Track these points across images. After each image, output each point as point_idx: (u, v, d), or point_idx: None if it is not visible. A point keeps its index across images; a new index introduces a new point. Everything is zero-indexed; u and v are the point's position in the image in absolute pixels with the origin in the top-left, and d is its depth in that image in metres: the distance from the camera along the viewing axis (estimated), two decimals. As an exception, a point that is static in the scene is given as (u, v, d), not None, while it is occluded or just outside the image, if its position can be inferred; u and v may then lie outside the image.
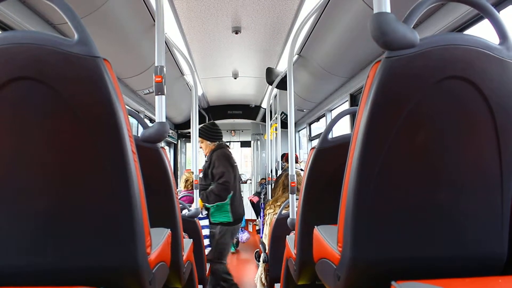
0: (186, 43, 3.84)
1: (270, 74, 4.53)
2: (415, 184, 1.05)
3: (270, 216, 3.32)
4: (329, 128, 1.86)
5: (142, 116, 4.90)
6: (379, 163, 1.02)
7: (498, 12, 1.23)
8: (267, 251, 3.06)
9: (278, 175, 5.04)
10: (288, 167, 2.76)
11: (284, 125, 5.95)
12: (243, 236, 5.87)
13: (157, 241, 1.31)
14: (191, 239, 2.27)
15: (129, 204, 1.02)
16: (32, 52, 0.91)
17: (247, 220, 7.72)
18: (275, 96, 5.56)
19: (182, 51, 3.53)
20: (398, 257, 1.08)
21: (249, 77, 5.49)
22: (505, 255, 1.10)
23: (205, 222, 3.95)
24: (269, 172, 5.58)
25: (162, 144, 1.76)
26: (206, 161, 3.77)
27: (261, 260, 3.19)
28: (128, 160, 1.00)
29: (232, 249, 5.81)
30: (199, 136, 3.78)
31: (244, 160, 9.79)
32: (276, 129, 5.73)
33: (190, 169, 4.91)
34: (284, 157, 5.90)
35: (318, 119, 5.97)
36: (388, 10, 0.93)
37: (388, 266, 1.08)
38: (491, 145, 1.03)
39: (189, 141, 8.21)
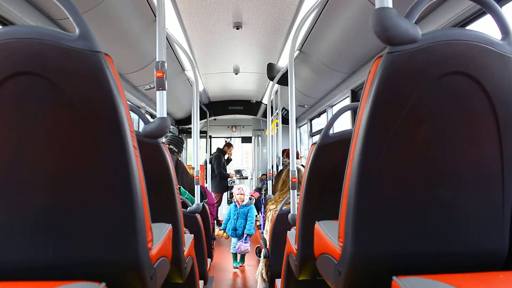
0: (187, 39, 3.83)
1: (271, 70, 4.53)
2: (416, 180, 1.05)
3: (272, 212, 3.32)
4: (330, 123, 1.86)
5: (143, 112, 4.90)
6: (381, 158, 1.02)
7: (501, 7, 1.22)
8: (268, 246, 3.06)
9: (279, 171, 5.04)
10: (289, 163, 2.76)
11: (285, 120, 5.95)
12: (241, 246, 4.68)
13: (158, 236, 1.31)
14: (192, 235, 2.28)
15: (130, 199, 1.02)
16: (33, 47, 0.91)
17: None
18: (276, 91, 5.55)
19: (183, 47, 3.53)
20: (399, 252, 1.08)
21: (250, 73, 5.48)
22: (506, 250, 1.10)
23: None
24: (270, 168, 5.58)
25: (163, 139, 1.76)
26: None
27: (262, 255, 3.20)
28: (129, 155, 1.00)
29: (236, 264, 4.85)
30: (171, 145, 3.94)
31: (245, 155, 9.80)
32: (277, 125, 5.72)
33: (191, 165, 4.93)
34: (285, 152, 5.89)
35: (319, 115, 5.97)
36: (390, 5, 0.93)
37: (389, 261, 1.08)
38: (493, 140, 1.02)
39: (190, 137, 8.20)
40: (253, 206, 4.89)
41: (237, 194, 4.84)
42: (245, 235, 4.70)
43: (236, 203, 4.86)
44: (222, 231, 4.89)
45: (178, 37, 3.70)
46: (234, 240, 4.83)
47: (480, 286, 0.95)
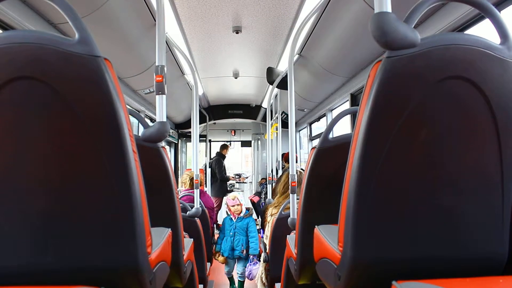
0: (187, 43, 3.84)
1: (270, 74, 4.53)
2: (416, 184, 1.05)
3: (273, 217, 3.30)
4: (330, 127, 1.86)
5: (143, 116, 4.90)
6: (380, 163, 1.01)
7: (499, 12, 1.23)
8: (267, 250, 3.06)
9: (279, 176, 5.03)
10: (288, 167, 2.76)
11: (284, 124, 5.95)
12: (253, 271, 3.82)
13: (157, 240, 1.31)
14: (192, 239, 2.27)
15: (129, 203, 1.02)
16: (33, 51, 0.91)
17: None
18: (276, 95, 5.55)
19: (182, 51, 3.53)
20: (399, 257, 1.08)
21: (250, 77, 5.48)
22: (506, 255, 1.10)
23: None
24: (270, 172, 5.58)
25: (163, 143, 1.76)
26: None
27: (261, 259, 3.19)
28: (128, 159, 1.00)
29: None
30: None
31: (245, 159, 9.80)
32: (276, 129, 5.72)
33: (190, 169, 4.92)
34: (284, 156, 5.89)
35: (318, 119, 5.97)
36: (389, 9, 0.93)
37: (389, 266, 1.08)
38: (492, 145, 1.03)
39: (190, 141, 8.20)
40: (252, 218, 4.07)
41: (232, 206, 4.00)
42: (251, 256, 3.87)
43: (232, 216, 4.04)
44: (217, 254, 4.02)
45: (177, 41, 3.70)
46: (230, 263, 4.00)
47: (480, 290, 0.95)
